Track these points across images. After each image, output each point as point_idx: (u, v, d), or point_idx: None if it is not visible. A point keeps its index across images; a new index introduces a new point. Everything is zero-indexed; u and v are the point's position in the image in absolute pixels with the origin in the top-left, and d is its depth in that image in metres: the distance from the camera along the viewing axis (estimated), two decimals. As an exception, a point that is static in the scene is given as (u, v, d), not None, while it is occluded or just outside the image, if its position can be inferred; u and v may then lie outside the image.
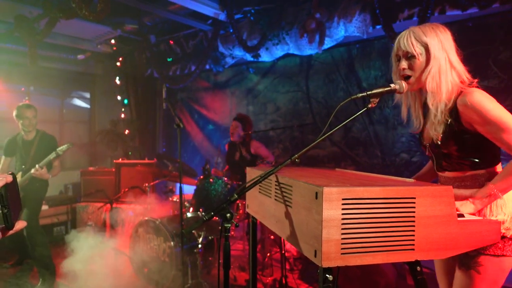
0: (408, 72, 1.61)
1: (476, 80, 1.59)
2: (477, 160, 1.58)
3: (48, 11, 4.64)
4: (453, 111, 1.55)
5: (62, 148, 3.83)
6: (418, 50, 1.57)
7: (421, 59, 1.58)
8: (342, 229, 1.17)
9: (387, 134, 4.46)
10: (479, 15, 3.63)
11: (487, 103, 1.48)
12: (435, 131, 1.59)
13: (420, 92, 1.73)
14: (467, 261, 1.54)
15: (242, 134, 4.33)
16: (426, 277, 1.33)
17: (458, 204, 1.48)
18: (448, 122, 1.55)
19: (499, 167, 1.61)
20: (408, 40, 1.58)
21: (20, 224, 1.04)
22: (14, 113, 4.00)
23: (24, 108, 4.00)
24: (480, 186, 1.56)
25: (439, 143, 1.59)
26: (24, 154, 4.01)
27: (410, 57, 1.59)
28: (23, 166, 3.96)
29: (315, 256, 1.20)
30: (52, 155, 3.81)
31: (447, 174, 1.68)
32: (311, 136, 5.07)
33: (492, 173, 1.58)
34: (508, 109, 1.53)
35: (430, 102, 1.59)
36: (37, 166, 3.77)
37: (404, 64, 1.61)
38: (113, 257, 4.00)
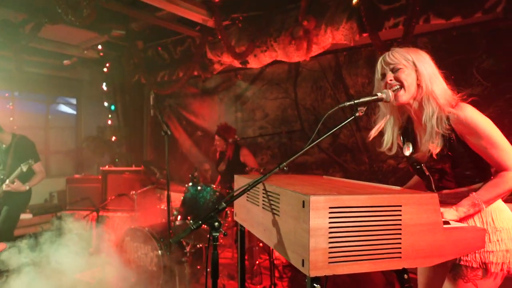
0: (395, 83, 1.61)
1: (461, 94, 1.62)
2: (471, 174, 1.60)
3: (33, 16, 4.58)
4: (447, 125, 1.56)
5: (24, 164, 3.74)
6: (404, 63, 1.60)
7: (407, 71, 1.60)
8: (329, 237, 1.17)
9: (374, 141, 4.47)
10: (463, 24, 3.71)
11: (479, 118, 1.52)
12: (432, 143, 1.59)
13: (399, 112, 1.76)
14: (464, 272, 1.54)
15: (226, 145, 4.35)
16: (414, 284, 1.34)
17: (442, 210, 1.50)
18: (444, 135, 1.57)
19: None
20: (394, 55, 1.62)
21: (0, 247, 1.02)
22: None
23: None
24: None
25: (437, 158, 1.59)
26: (3, 162, 3.90)
27: (396, 70, 1.61)
28: (1, 177, 3.86)
29: (303, 265, 1.19)
30: (17, 171, 3.72)
31: (444, 192, 1.68)
32: (300, 143, 5.08)
33: None
34: (492, 116, 1.56)
35: (425, 118, 1.60)
36: (7, 181, 3.69)
37: (390, 76, 1.62)
38: (100, 267, 3.93)
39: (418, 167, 1.74)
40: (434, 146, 1.58)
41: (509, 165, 1.51)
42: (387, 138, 1.81)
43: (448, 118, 1.56)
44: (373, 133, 1.81)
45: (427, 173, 1.71)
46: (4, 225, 3.76)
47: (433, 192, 1.73)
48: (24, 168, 3.71)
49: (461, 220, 1.54)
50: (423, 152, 1.66)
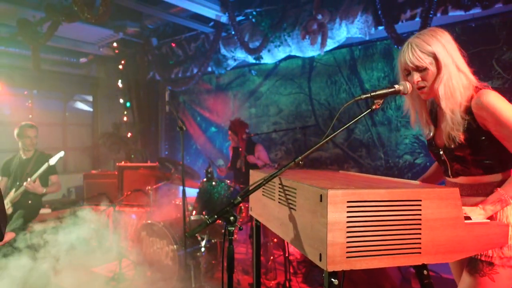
0: (423, 84, 1.59)
1: (486, 84, 1.57)
2: (492, 163, 1.55)
3: (50, 15, 4.66)
4: (469, 113, 1.53)
5: (53, 159, 3.87)
6: (427, 61, 1.54)
7: (432, 69, 1.55)
8: (347, 232, 1.15)
9: (390, 136, 4.44)
10: (482, 16, 3.61)
11: (501, 104, 1.46)
12: (456, 131, 1.55)
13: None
14: (481, 267, 1.51)
15: (238, 139, 4.37)
16: (433, 281, 1.31)
17: (467, 209, 1.45)
18: (466, 123, 1.53)
19: None
20: (414, 54, 1.55)
21: (9, 236, 1.06)
22: (16, 132, 4.03)
23: (27, 128, 4.04)
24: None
25: (457, 145, 1.56)
26: (20, 172, 4.05)
27: (421, 70, 1.57)
28: (18, 183, 3.99)
29: (320, 260, 1.18)
30: (44, 167, 3.85)
31: (461, 180, 1.65)
32: (314, 138, 5.05)
33: (506, 178, 1.55)
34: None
35: (444, 105, 1.56)
36: (29, 179, 3.83)
37: (417, 77, 1.58)
38: (116, 261, 3.99)
39: (436, 151, 1.71)
40: (457, 134, 1.54)
41: None
42: (421, 123, 1.77)
43: (469, 106, 1.52)
44: (413, 121, 1.79)
45: (445, 159, 1.68)
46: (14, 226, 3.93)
47: (449, 177, 1.71)
48: (52, 162, 3.86)
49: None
50: (444, 138, 1.62)
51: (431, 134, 1.73)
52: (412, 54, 1.55)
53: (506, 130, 1.46)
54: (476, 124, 1.52)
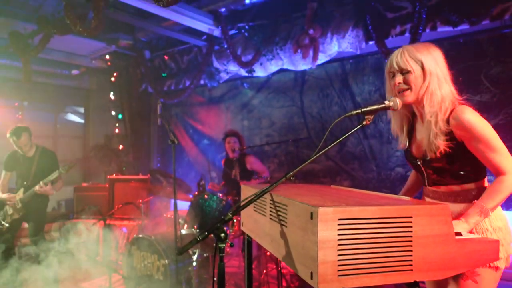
0: (404, 86, 1.62)
1: (463, 98, 1.62)
2: (466, 174, 1.60)
3: (42, 27, 4.66)
4: (446, 127, 1.57)
5: (65, 167, 3.85)
6: (413, 66, 1.59)
7: (416, 74, 1.59)
8: (339, 250, 1.14)
9: (382, 148, 4.46)
10: (470, 31, 3.69)
11: (477, 121, 1.51)
12: (438, 139, 1.58)
13: (407, 108, 1.76)
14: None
15: (239, 148, 4.33)
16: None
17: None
18: (445, 136, 1.57)
19: (486, 180, 1.65)
20: (403, 57, 1.60)
21: None
22: (8, 135, 3.90)
23: (15, 139, 3.86)
24: (471, 199, 1.58)
25: (437, 155, 1.60)
26: (25, 171, 3.97)
27: (405, 73, 1.61)
28: (25, 183, 3.93)
29: (311, 278, 1.17)
30: (55, 174, 3.83)
31: (439, 188, 1.69)
32: (306, 151, 5.06)
33: (480, 187, 1.61)
34: (502, 123, 1.54)
35: (428, 112, 1.60)
36: (41, 183, 3.80)
37: (399, 79, 1.63)
38: (106, 275, 3.92)
39: (414, 161, 1.75)
40: (436, 146, 1.58)
41: (507, 169, 1.51)
42: (402, 136, 1.82)
43: (448, 120, 1.57)
44: (394, 132, 1.86)
45: (422, 169, 1.72)
46: (36, 231, 3.97)
47: (425, 187, 1.75)
48: (62, 171, 3.84)
49: None
50: (424, 148, 1.66)
51: (407, 144, 1.78)
52: (401, 56, 1.61)
53: (481, 145, 1.51)
54: (453, 137, 1.56)
